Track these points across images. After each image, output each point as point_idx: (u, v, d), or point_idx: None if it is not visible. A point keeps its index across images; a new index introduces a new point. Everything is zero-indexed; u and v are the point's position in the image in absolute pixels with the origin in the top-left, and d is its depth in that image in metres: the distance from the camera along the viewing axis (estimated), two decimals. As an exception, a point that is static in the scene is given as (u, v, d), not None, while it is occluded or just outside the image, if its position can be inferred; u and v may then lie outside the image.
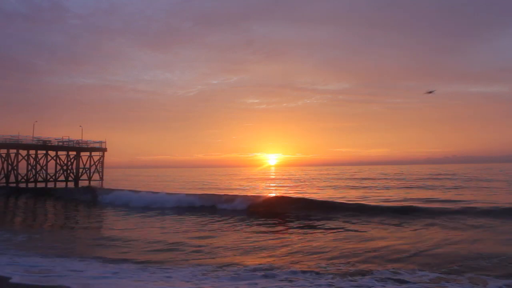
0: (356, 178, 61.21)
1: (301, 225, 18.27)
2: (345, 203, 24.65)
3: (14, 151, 45.70)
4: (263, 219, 20.56)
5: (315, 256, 11.72)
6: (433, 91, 27.42)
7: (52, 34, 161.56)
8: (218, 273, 9.79)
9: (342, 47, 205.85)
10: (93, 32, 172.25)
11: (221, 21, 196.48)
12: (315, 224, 18.17)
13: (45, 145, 48.38)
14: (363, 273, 9.57)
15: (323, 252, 12.20)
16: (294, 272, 9.67)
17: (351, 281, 8.94)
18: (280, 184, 54.57)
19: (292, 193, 35.58)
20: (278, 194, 34.02)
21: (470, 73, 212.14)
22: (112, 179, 67.11)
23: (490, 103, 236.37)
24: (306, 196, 31.11)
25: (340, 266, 10.38)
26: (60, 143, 50.45)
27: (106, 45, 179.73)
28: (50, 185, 48.69)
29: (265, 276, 9.43)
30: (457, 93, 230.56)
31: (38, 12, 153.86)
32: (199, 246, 13.64)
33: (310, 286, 8.62)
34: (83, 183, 52.72)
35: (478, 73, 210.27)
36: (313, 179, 65.53)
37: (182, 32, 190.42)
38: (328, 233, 16.03)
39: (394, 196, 30.17)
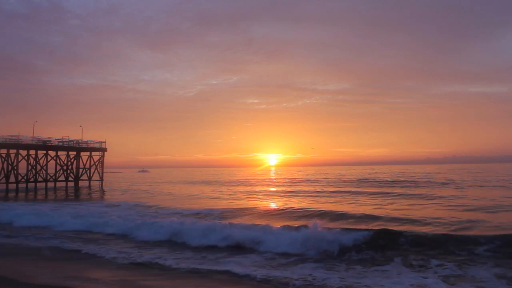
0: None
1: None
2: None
3: (14, 151, 45.64)
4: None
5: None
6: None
7: (52, 34, 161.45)
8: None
9: (342, 47, 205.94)
10: (93, 33, 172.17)
11: (220, 21, 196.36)
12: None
13: (45, 145, 48.39)
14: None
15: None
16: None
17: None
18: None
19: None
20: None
21: (470, 73, 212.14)
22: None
23: (490, 103, 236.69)
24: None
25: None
26: (60, 143, 50.50)
27: (106, 45, 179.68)
28: (50, 185, 48.72)
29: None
30: (457, 93, 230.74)
31: (38, 12, 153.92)
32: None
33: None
34: (83, 183, 52.83)
35: (478, 73, 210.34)
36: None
37: (182, 32, 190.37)
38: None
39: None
